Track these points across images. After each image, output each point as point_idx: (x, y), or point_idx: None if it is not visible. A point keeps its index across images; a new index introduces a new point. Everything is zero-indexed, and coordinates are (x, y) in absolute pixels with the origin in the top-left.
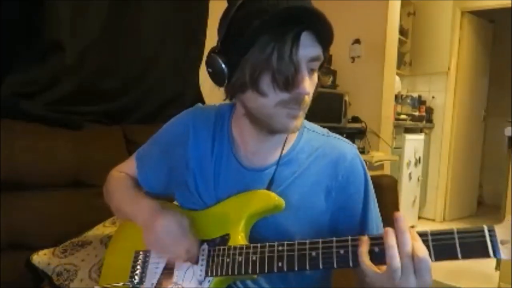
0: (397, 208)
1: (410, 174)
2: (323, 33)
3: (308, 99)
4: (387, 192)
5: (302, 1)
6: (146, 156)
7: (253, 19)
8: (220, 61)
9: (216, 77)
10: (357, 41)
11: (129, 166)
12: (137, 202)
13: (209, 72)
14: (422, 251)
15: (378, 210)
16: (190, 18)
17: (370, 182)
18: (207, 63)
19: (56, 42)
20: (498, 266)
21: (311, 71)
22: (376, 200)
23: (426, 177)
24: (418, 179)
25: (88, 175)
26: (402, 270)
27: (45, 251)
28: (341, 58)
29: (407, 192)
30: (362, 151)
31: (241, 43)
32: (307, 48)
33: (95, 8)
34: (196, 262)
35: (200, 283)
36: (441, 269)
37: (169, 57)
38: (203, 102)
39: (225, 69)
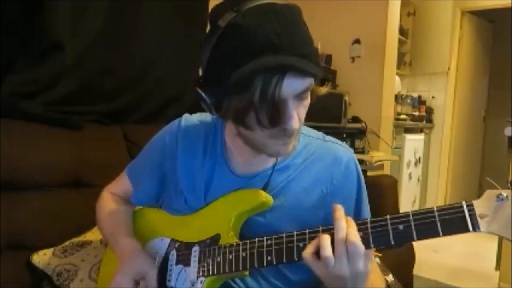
0: (397, 208)
1: (410, 174)
2: (311, 71)
3: (297, 129)
4: (387, 192)
5: (286, 31)
6: (137, 173)
7: (235, 61)
8: (204, 96)
9: (205, 107)
10: (357, 41)
11: (121, 183)
12: (115, 239)
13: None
14: (355, 236)
15: (369, 213)
16: (190, 18)
17: (364, 186)
18: (194, 94)
19: (56, 42)
20: (498, 266)
21: (302, 99)
22: (368, 203)
23: (426, 177)
24: (418, 179)
25: (88, 175)
26: (336, 256)
27: (45, 251)
28: (341, 58)
29: (407, 192)
30: (362, 151)
31: (223, 85)
32: (294, 85)
33: (95, 8)
34: (188, 265)
35: (193, 284)
36: (441, 269)
37: (169, 57)
38: None
39: (209, 102)
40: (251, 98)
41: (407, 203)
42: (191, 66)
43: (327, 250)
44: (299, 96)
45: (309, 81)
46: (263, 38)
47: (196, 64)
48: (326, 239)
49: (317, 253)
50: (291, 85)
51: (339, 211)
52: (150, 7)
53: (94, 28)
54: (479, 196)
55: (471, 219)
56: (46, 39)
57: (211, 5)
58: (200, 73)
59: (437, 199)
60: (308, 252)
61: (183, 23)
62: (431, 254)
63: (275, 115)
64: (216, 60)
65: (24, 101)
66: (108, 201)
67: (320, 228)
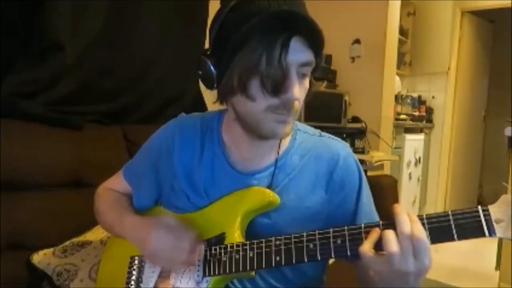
0: None
1: (410, 174)
2: (314, 39)
3: (297, 104)
4: (387, 192)
5: (293, 6)
6: (134, 175)
7: (243, 23)
8: (210, 64)
9: (206, 80)
10: (357, 41)
11: (117, 184)
12: (122, 221)
13: (199, 75)
14: (421, 232)
15: (373, 206)
16: (190, 18)
17: (365, 180)
18: (197, 66)
19: (56, 42)
20: (498, 266)
21: (302, 76)
22: (371, 196)
23: (426, 177)
24: (418, 179)
25: (88, 175)
26: (402, 253)
27: (45, 251)
28: (341, 58)
29: (407, 192)
30: (362, 151)
31: (231, 46)
32: (298, 53)
33: (95, 8)
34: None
35: (198, 283)
36: (441, 269)
37: (169, 57)
38: (203, 102)
39: (214, 72)
40: (258, 59)
41: (407, 203)
42: (191, 66)
43: (393, 245)
44: (301, 70)
45: (311, 55)
46: (273, 3)
47: (196, 64)
48: (390, 233)
49: (375, 248)
50: (295, 54)
51: (400, 207)
52: (150, 7)
53: (94, 28)
54: (479, 196)
55: (487, 224)
56: (46, 39)
57: (211, 5)
58: (208, 46)
59: (437, 199)
60: (367, 248)
61: (183, 23)
62: (431, 254)
63: (279, 80)
64: (225, 29)
65: (24, 101)
66: (107, 194)
67: (331, 229)
